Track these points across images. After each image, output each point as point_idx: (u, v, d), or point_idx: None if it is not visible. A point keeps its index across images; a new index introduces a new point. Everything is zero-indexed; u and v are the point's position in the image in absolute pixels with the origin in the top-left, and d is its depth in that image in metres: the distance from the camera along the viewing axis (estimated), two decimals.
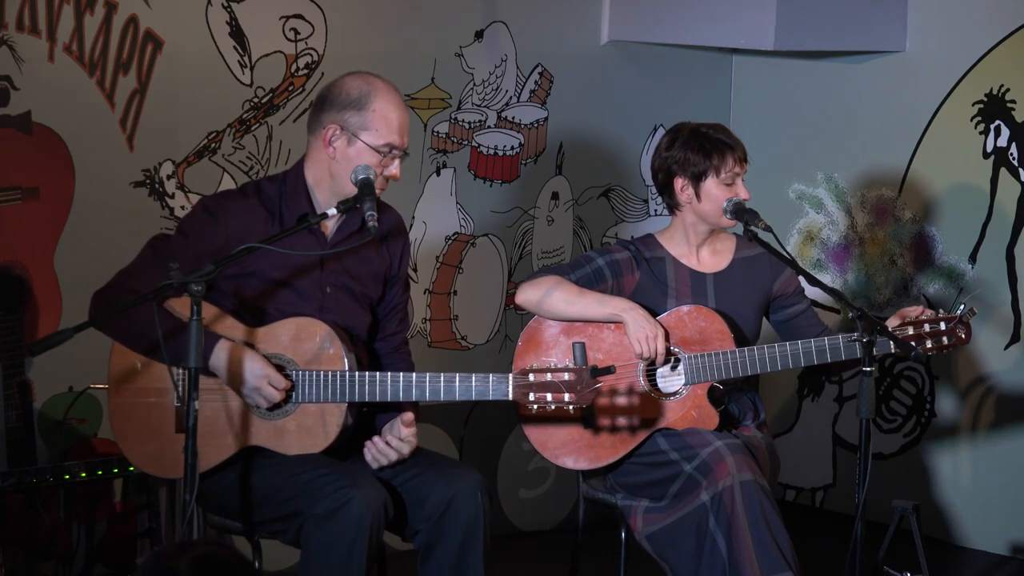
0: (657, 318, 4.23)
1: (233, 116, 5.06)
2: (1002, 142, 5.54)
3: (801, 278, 4.36)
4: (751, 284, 4.36)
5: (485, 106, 5.60)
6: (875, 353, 3.82)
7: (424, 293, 5.55)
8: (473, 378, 3.80)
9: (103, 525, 4.78)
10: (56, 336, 3.40)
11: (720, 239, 4.40)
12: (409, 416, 3.87)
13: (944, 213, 5.72)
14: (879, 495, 5.14)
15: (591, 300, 4.23)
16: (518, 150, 5.71)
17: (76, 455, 4.72)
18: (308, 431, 3.77)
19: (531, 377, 3.77)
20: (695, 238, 4.35)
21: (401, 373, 3.80)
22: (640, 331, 4.17)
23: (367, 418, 3.99)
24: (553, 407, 3.78)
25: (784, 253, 4.15)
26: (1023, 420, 5.52)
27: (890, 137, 5.84)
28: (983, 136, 5.58)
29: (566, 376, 3.75)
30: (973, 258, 5.63)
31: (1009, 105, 5.52)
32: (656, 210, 6.00)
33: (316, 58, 5.18)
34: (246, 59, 5.06)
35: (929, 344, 4.17)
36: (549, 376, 3.76)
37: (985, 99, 5.58)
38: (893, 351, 4.07)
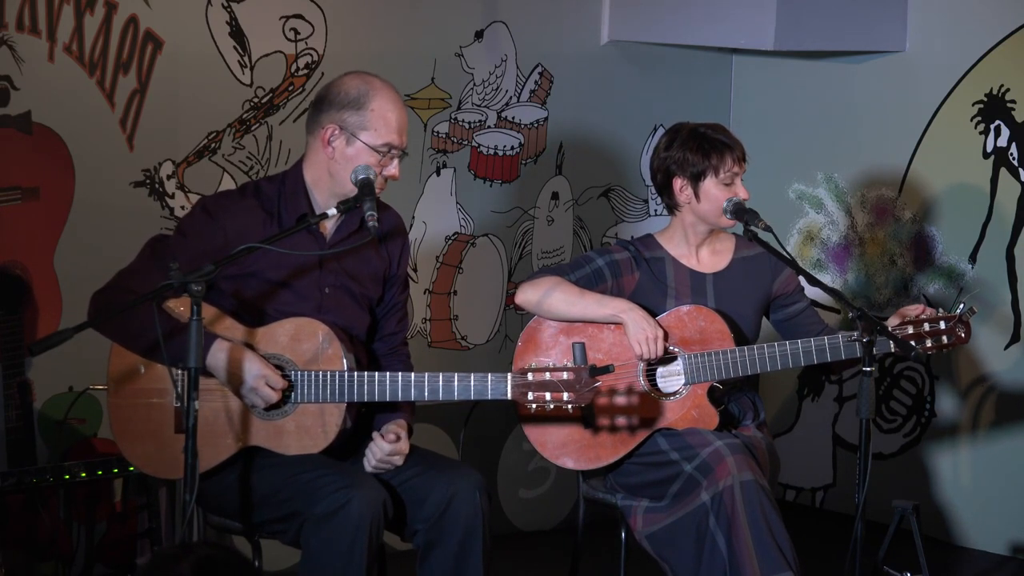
0: (657, 318, 4.23)
1: (233, 116, 5.06)
2: (1002, 142, 5.54)
3: (801, 278, 4.36)
4: (751, 284, 4.36)
5: (485, 106, 5.60)
6: (875, 353, 3.82)
7: (424, 293, 5.55)
8: (472, 378, 3.80)
9: (103, 525, 4.78)
10: (56, 336, 3.40)
11: (720, 239, 4.40)
12: (392, 436, 3.85)
13: (944, 213, 5.72)
14: (879, 495, 5.14)
15: (591, 301, 4.23)
16: (518, 150, 5.71)
17: (76, 455, 4.72)
18: (307, 431, 3.77)
19: (530, 376, 3.77)
20: (694, 238, 4.35)
21: (400, 373, 3.80)
22: (640, 332, 4.17)
23: (366, 418, 3.99)
24: (552, 406, 3.78)
25: (784, 253, 4.15)
26: (1023, 420, 5.52)
27: (890, 137, 5.84)
28: (983, 136, 5.58)
29: (565, 375, 3.75)
30: (973, 258, 5.63)
31: (1009, 105, 5.52)
32: (656, 210, 6.00)
33: (316, 58, 5.19)
34: (246, 59, 5.06)
35: (929, 343, 4.17)
36: (548, 375, 3.76)
37: (985, 99, 5.58)
38: (893, 351, 4.07)
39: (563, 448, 4.24)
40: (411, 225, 5.44)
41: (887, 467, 5.84)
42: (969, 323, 4.20)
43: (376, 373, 3.79)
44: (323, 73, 5.15)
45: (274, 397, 3.73)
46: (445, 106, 5.51)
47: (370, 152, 3.81)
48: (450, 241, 5.59)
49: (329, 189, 3.87)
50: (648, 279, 4.32)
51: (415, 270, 5.49)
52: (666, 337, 4.20)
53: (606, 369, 3.81)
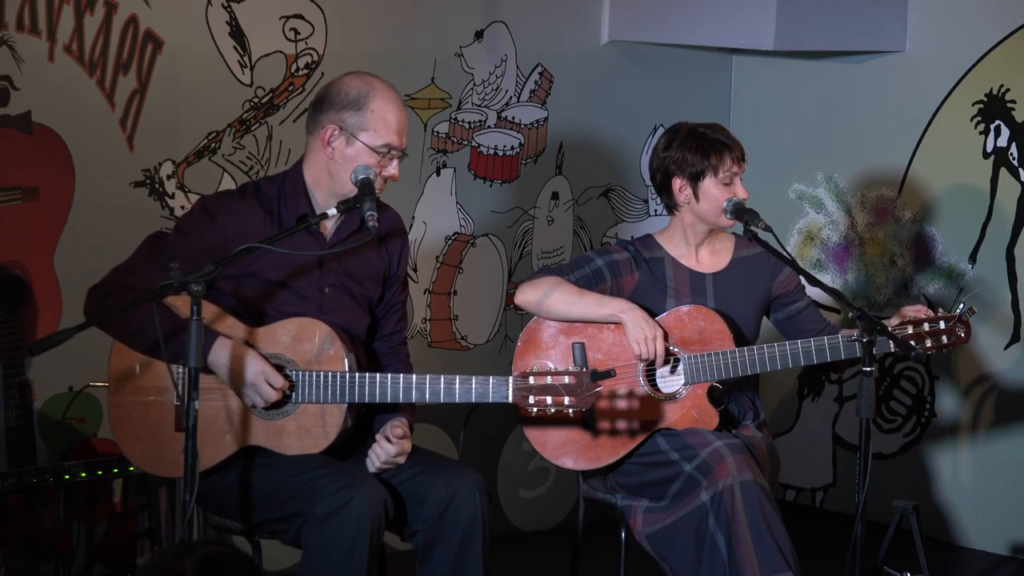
0: (656, 318, 4.23)
1: (233, 116, 5.06)
2: (1002, 142, 5.54)
3: (801, 278, 4.36)
4: (750, 284, 4.36)
5: (485, 106, 5.60)
6: (875, 353, 3.82)
7: (424, 293, 5.55)
8: (473, 380, 3.80)
9: (103, 525, 4.77)
10: (56, 336, 3.40)
11: (719, 239, 4.40)
12: (398, 431, 3.86)
13: (944, 213, 5.72)
14: (879, 495, 5.14)
15: (590, 301, 4.23)
16: (518, 150, 5.71)
17: (76, 455, 4.72)
18: (308, 431, 3.77)
19: (531, 380, 3.77)
20: (694, 238, 4.35)
21: (401, 375, 3.80)
22: (639, 332, 4.17)
23: (366, 418, 3.99)
24: (553, 410, 3.78)
25: (784, 253, 4.15)
26: (1023, 420, 5.52)
27: (890, 137, 5.84)
28: (983, 136, 5.58)
29: (566, 379, 3.75)
30: (973, 258, 5.63)
31: (1009, 105, 5.52)
32: (656, 210, 6.00)
33: (316, 58, 5.18)
34: (246, 59, 5.06)
35: (929, 343, 4.17)
36: (549, 379, 3.76)
37: (985, 99, 5.58)
38: (893, 351, 4.07)
39: (563, 448, 4.24)
40: (411, 225, 5.44)
41: (887, 467, 5.84)
42: (969, 323, 4.20)
43: (377, 374, 3.79)
44: (323, 73, 5.15)
45: (274, 396, 3.73)
46: (445, 106, 5.51)
47: (370, 153, 3.81)
48: (450, 241, 5.59)
49: (329, 189, 3.87)
50: (648, 279, 4.32)
51: (415, 270, 5.49)
52: (666, 337, 4.20)
53: (607, 374, 3.82)
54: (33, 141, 4.69)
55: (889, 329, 4.02)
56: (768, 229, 4.14)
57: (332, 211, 3.73)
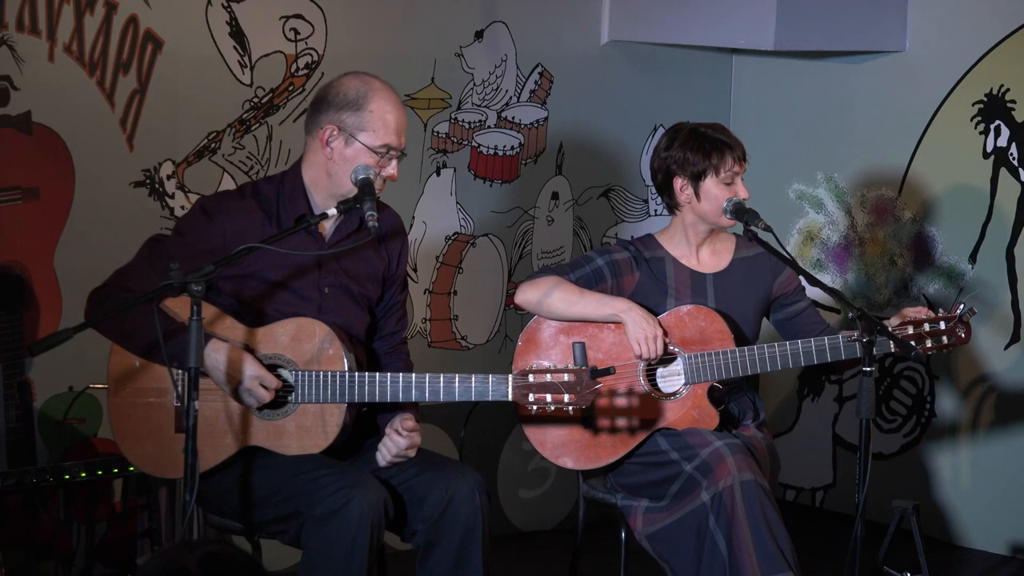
0: (657, 318, 4.23)
1: (233, 116, 5.06)
2: (1002, 142, 5.54)
3: (801, 278, 4.36)
4: (751, 284, 4.36)
5: (485, 106, 5.60)
6: (875, 353, 3.82)
7: (424, 293, 5.55)
8: (473, 379, 3.80)
9: (103, 525, 4.78)
10: (56, 336, 3.40)
11: (720, 239, 4.40)
12: (409, 424, 3.86)
13: (944, 213, 5.72)
14: (879, 495, 5.14)
15: (591, 300, 4.23)
16: (518, 150, 5.71)
17: (76, 455, 4.72)
18: (307, 431, 3.77)
19: (531, 378, 3.77)
20: (695, 238, 4.35)
21: (401, 374, 3.80)
22: (639, 332, 4.17)
23: (367, 418, 3.99)
24: (553, 408, 3.78)
25: (784, 253, 4.15)
26: (1023, 420, 5.52)
27: (890, 137, 5.84)
28: (983, 136, 5.58)
29: (566, 377, 3.75)
30: (973, 258, 5.63)
31: (1009, 105, 5.52)
32: (656, 210, 6.00)
33: (316, 58, 5.19)
34: (246, 59, 5.06)
35: (929, 344, 4.17)
36: (549, 377, 3.76)
37: (985, 99, 5.58)
38: (893, 351, 4.07)
39: (563, 448, 4.24)
40: (411, 225, 5.44)
41: (887, 467, 5.84)
42: (969, 323, 4.20)
43: (377, 374, 3.79)
44: (323, 73, 5.15)
45: (267, 398, 3.73)
46: (445, 106, 5.51)
47: (369, 153, 3.81)
48: (450, 241, 5.59)
49: (328, 189, 3.86)
50: (648, 279, 4.32)
51: (415, 270, 5.49)
52: (665, 336, 4.20)
53: (607, 371, 3.81)
54: (33, 141, 4.69)
55: (889, 329, 4.02)
56: (768, 229, 4.14)
57: (332, 211, 3.73)
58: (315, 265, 3.87)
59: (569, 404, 3.77)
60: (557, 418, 4.12)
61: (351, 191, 3.79)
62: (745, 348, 4.21)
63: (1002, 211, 5.56)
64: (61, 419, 4.75)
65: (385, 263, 3.99)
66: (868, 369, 3.79)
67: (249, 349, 3.76)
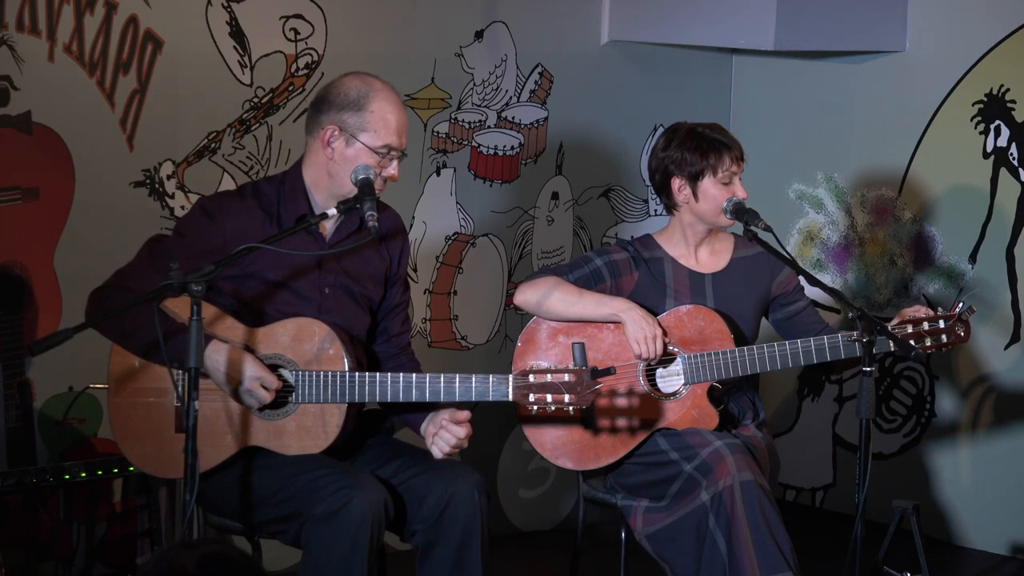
0: (656, 318, 4.23)
1: (233, 116, 5.06)
2: (1002, 142, 5.54)
3: (801, 278, 4.36)
4: (750, 284, 4.36)
5: (485, 106, 5.60)
6: (875, 353, 3.82)
7: (424, 293, 5.55)
8: (473, 379, 3.80)
9: (103, 525, 4.78)
10: (56, 336, 3.40)
11: (719, 239, 4.41)
12: (462, 415, 3.86)
13: (944, 213, 5.72)
14: (879, 495, 5.14)
15: (590, 300, 4.23)
16: (518, 150, 5.71)
17: (76, 455, 4.72)
18: (308, 431, 3.77)
19: (531, 378, 3.77)
20: (693, 238, 4.35)
21: (401, 374, 3.80)
22: (639, 332, 4.17)
23: (367, 418, 3.99)
24: (553, 408, 3.78)
25: (784, 253, 4.15)
26: (1023, 420, 5.52)
27: (890, 137, 5.84)
28: (983, 136, 5.58)
29: (566, 377, 3.75)
30: (973, 258, 5.63)
31: (1009, 105, 5.52)
32: (656, 210, 6.00)
33: (316, 58, 5.19)
34: (246, 59, 5.06)
35: (928, 343, 4.17)
36: (549, 377, 3.76)
37: (985, 99, 5.58)
38: (893, 351, 4.07)
39: (563, 448, 4.24)
40: (411, 225, 5.44)
41: (887, 467, 5.84)
42: (968, 322, 4.20)
43: (377, 374, 3.79)
44: (323, 73, 5.16)
45: (268, 398, 3.72)
46: (445, 106, 5.51)
47: (369, 153, 3.81)
48: (450, 241, 5.59)
49: (328, 190, 3.86)
50: (647, 279, 4.32)
51: (415, 270, 5.49)
52: (665, 336, 4.20)
53: (607, 371, 3.81)
54: (33, 141, 4.69)
55: (889, 329, 4.02)
56: (768, 229, 4.14)
57: (332, 211, 3.73)
58: (315, 265, 3.87)
59: (569, 404, 3.77)
60: (557, 418, 4.12)
61: (352, 191, 3.79)
62: (744, 348, 4.21)
63: (1002, 211, 5.56)
64: (61, 419, 4.75)
65: (386, 263, 3.99)
66: (868, 369, 3.79)
67: (249, 349, 3.76)
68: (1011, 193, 5.53)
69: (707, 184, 4.25)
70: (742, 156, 4.29)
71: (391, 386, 3.79)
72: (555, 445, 4.24)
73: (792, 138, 6.12)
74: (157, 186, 4.92)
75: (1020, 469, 5.51)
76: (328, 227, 3.91)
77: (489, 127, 5.62)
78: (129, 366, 3.81)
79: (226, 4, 5.00)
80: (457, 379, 3.80)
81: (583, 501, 4.42)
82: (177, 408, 3.78)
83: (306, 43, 5.17)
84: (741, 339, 4.28)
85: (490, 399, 3.81)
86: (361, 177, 3.77)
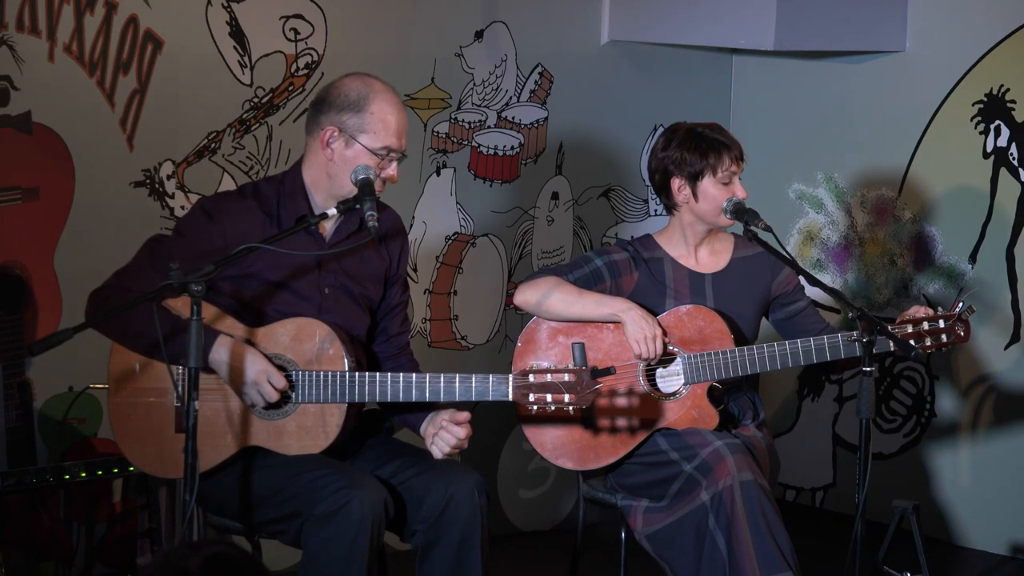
0: (656, 318, 4.23)
1: (233, 116, 5.06)
2: (1002, 142, 5.54)
3: (801, 278, 4.36)
4: (750, 284, 4.36)
5: (485, 106, 5.60)
6: (875, 353, 3.82)
7: (424, 293, 5.55)
8: (473, 379, 3.80)
9: (103, 525, 4.78)
10: (56, 336, 3.40)
11: (718, 239, 4.41)
12: (462, 416, 3.86)
13: (944, 213, 5.72)
14: (879, 495, 5.14)
15: (590, 300, 4.23)
16: (518, 150, 5.71)
17: (76, 455, 4.72)
18: (308, 431, 3.77)
19: (531, 378, 3.77)
20: (693, 238, 4.35)
21: (401, 374, 3.80)
22: (638, 331, 4.17)
23: (367, 418, 3.99)
24: (553, 408, 3.78)
25: (784, 253, 4.15)
26: (1023, 420, 5.52)
27: (890, 137, 5.84)
28: (983, 136, 5.58)
29: (566, 377, 3.75)
30: (973, 258, 5.63)
31: (1009, 105, 5.52)
32: (656, 210, 6.00)
33: (316, 58, 5.19)
34: (246, 59, 5.06)
35: (928, 343, 4.17)
36: (549, 377, 3.76)
37: (985, 99, 5.58)
38: (893, 350, 4.07)
39: (563, 448, 4.24)
40: (411, 225, 5.44)
41: (887, 467, 5.84)
42: (968, 322, 4.20)
43: (377, 374, 3.79)
44: (323, 73, 5.16)
45: (274, 396, 3.73)
46: (445, 106, 5.51)
47: (369, 155, 3.80)
48: (450, 241, 5.59)
49: (328, 190, 3.86)
50: (647, 279, 4.32)
51: (415, 270, 5.49)
52: (665, 336, 4.20)
53: (607, 371, 3.81)
54: (33, 141, 4.69)
55: (889, 329, 4.02)
56: (768, 229, 4.14)
57: (332, 211, 3.73)
58: (315, 265, 3.87)
59: (569, 404, 3.77)
60: (557, 418, 4.12)
61: (351, 192, 3.79)
62: (744, 348, 4.21)
63: (1002, 211, 5.56)
64: (61, 419, 4.75)
65: (386, 263, 3.99)
66: (868, 369, 3.79)
67: (250, 345, 3.76)
68: (1011, 193, 5.53)
69: (707, 184, 4.26)
70: (742, 156, 4.29)
71: (391, 386, 3.79)
72: (555, 445, 4.24)
73: (792, 138, 6.12)
74: (157, 186, 4.92)
75: (1020, 469, 5.51)
76: (328, 227, 3.91)
77: (489, 127, 5.62)
78: (129, 366, 3.81)
79: (226, 4, 5.00)
80: (457, 379, 3.80)
81: (583, 501, 4.41)
82: (177, 408, 3.78)
83: (306, 43, 5.17)
84: (741, 339, 4.28)
85: (490, 399, 3.81)
86: (361, 177, 3.77)
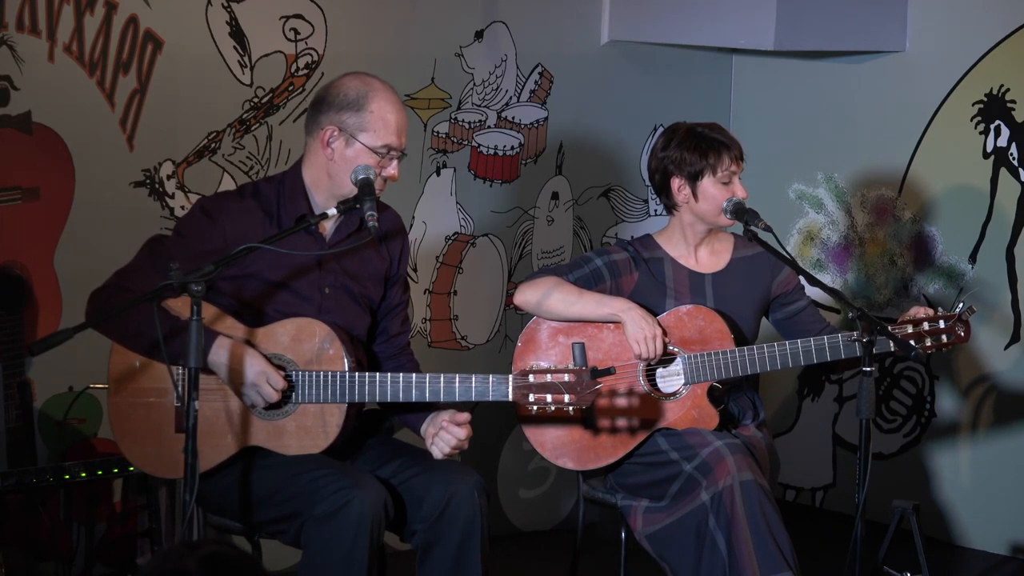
0: (656, 318, 4.23)
1: (233, 116, 5.06)
2: (1002, 142, 5.54)
3: (801, 278, 4.36)
4: (750, 284, 4.36)
5: (485, 106, 5.60)
6: (875, 353, 3.82)
7: (424, 293, 5.55)
8: (473, 379, 3.80)
9: (103, 525, 4.78)
10: (56, 336, 3.40)
11: (719, 239, 4.41)
12: (462, 417, 3.86)
13: (944, 213, 5.72)
14: (879, 495, 5.14)
15: (590, 300, 4.23)
16: (518, 150, 5.71)
17: (76, 455, 4.72)
18: (308, 431, 3.77)
19: (531, 378, 3.77)
20: (693, 238, 4.35)
21: (401, 374, 3.80)
22: (638, 331, 4.17)
23: (367, 418, 3.99)
24: (553, 408, 3.78)
25: (784, 253, 4.15)
26: (1023, 420, 5.52)
27: (890, 137, 5.84)
28: (983, 136, 5.58)
29: (566, 377, 3.75)
30: (973, 258, 5.63)
31: (1009, 105, 5.52)
32: (656, 210, 6.00)
33: (316, 58, 5.19)
34: (246, 59, 5.06)
35: (928, 343, 4.18)
36: (549, 377, 3.76)
37: (985, 99, 5.58)
38: (893, 351, 4.07)
39: (563, 448, 4.24)
40: (411, 225, 5.44)
41: (887, 467, 5.84)
42: (968, 322, 4.20)
43: (377, 374, 3.79)
44: (323, 73, 5.16)
45: (274, 397, 3.73)
46: (445, 106, 5.51)
47: (369, 153, 3.81)
48: (450, 241, 5.59)
49: (328, 190, 3.86)
50: (647, 279, 4.32)
51: (415, 270, 5.49)
52: (665, 336, 4.20)
53: (607, 371, 3.81)
54: (33, 141, 4.69)
55: (889, 329, 4.02)
56: (768, 229, 4.14)
57: (332, 211, 3.73)
58: (315, 265, 3.87)
59: (569, 404, 3.77)
60: (557, 418, 4.12)
61: (351, 191, 3.79)
62: (744, 348, 4.21)
63: (1002, 211, 5.56)
64: (61, 419, 4.75)
65: (386, 263, 3.99)
66: (868, 369, 3.79)
67: (250, 346, 3.76)
68: (1011, 193, 5.53)
69: (707, 184, 4.26)
70: (741, 155, 4.29)
71: (391, 386, 3.79)
72: (555, 445, 4.24)
73: (792, 138, 6.12)
74: (157, 186, 4.93)
75: (1020, 469, 5.51)
76: (328, 227, 3.91)
77: (489, 127, 5.62)
78: (129, 366, 3.81)
79: (226, 4, 5.00)
80: (457, 379, 3.80)
81: (583, 501, 4.41)
82: (177, 408, 3.78)
83: (306, 43, 5.17)
84: (741, 339, 4.28)
85: (490, 399, 3.82)
86: (361, 177, 3.77)
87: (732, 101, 6.28)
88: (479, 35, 5.56)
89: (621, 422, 4.20)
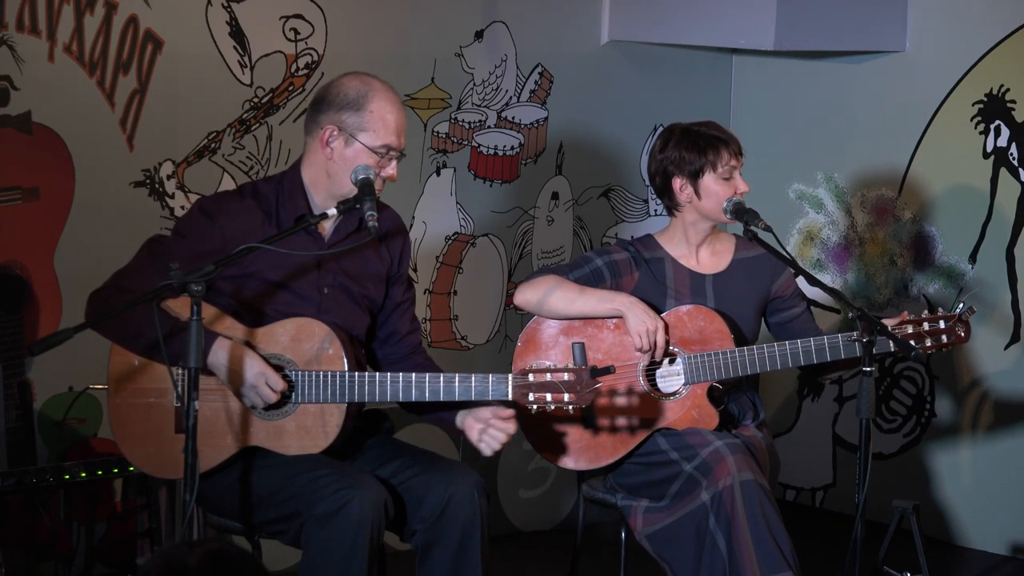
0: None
1: (233, 116, 5.06)
2: (1002, 142, 5.54)
3: (801, 278, 4.36)
4: (750, 285, 4.36)
5: (485, 106, 5.60)
6: (875, 353, 3.82)
7: (424, 293, 5.55)
8: (473, 378, 3.80)
9: (103, 525, 4.78)
10: (56, 336, 3.40)
11: (720, 239, 4.40)
12: (506, 412, 3.86)
13: (944, 213, 5.72)
14: (879, 495, 5.14)
15: (592, 297, 4.23)
16: (518, 150, 5.71)
17: (76, 455, 4.72)
18: (308, 431, 3.77)
19: (531, 377, 3.77)
20: (695, 237, 4.35)
21: (401, 373, 3.80)
22: (640, 324, 4.17)
23: (367, 418, 3.99)
24: (553, 407, 3.78)
25: (784, 253, 4.15)
26: (1023, 420, 5.52)
27: (890, 137, 5.84)
28: (983, 136, 5.58)
29: (566, 376, 3.75)
30: (973, 258, 5.63)
31: (1009, 105, 5.52)
32: (656, 210, 6.00)
33: (316, 58, 5.19)
34: (246, 59, 5.06)
35: (928, 343, 4.18)
36: (549, 376, 3.76)
37: (985, 99, 5.58)
38: (893, 351, 4.07)
39: (563, 448, 4.24)
40: (411, 225, 5.44)
41: (887, 467, 5.84)
42: (968, 322, 4.20)
43: (377, 374, 3.79)
44: (323, 73, 5.16)
45: (273, 398, 3.73)
46: (445, 106, 5.51)
47: (368, 153, 3.80)
48: (450, 241, 5.59)
49: (327, 190, 3.86)
50: (647, 279, 4.32)
51: (415, 270, 5.49)
52: (666, 330, 4.20)
53: (607, 370, 3.81)
54: (33, 141, 4.69)
55: (889, 329, 4.02)
56: (768, 229, 4.14)
57: (332, 211, 3.73)
58: (315, 265, 3.87)
59: (569, 403, 3.77)
60: (557, 418, 4.12)
61: (351, 191, 3.79)
62: (745, 348, 4.21)
63: (1002, 211, 5.56)
64: (61, 419, 4.75)
65: (387, 263, 3.99)
66: (868, 369, 3.79)
67: (249, 347, 3.75)
68: (1011, 193, 5.53)
69: (708, 180, 4.25)
70: (740, 151, 4.29)
71: (391, 386, 3.79)
72: (555, 445, 4.24)
73: (792, 138, 6.12)
74: (157, 186, 4.93)
75: (1020, 469, 5.51)
76: (327, 227, 3.91)
77: (489, 127, 5.62)
78: (129, 366, 3.81)
79: (226, 4, 5.00)
80: (457, 378, 3.80)
81: (583, 501, 4.42)
82: (177, 408, 3.78)
83: (306, 43, 5.17)
84: (741, 339, 4.28)
85: (490, 398, 3.81)
86: (361, 177, 3.77)
87: (732, 101, 6.28)
88: (479, 35, 5.56)
89: (621, 422, 4.20)
